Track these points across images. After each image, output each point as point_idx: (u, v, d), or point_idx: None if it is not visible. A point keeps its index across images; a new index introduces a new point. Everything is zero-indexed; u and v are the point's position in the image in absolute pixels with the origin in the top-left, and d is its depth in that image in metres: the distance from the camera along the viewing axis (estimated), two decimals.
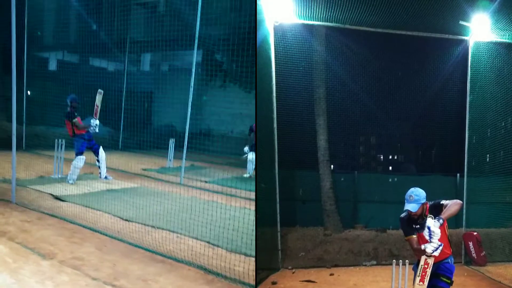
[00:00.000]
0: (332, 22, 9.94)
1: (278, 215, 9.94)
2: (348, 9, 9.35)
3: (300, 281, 8.83)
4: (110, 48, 18.32)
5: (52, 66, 22.09)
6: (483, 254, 10.26)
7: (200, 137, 14.54)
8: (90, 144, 11.86)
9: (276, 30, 9.83)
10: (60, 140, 12.15)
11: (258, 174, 8.94)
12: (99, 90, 11.17)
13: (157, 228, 8.27)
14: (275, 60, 9.88)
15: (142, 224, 8.43)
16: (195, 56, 12.85)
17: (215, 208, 8.74)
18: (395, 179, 12.56)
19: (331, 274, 9.40)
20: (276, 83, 9.90)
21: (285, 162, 10.18)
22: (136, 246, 7.25)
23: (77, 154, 11.64)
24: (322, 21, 9.94)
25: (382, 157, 16.81)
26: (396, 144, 16.34)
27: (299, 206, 11.57)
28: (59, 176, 11.98)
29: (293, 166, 10.97)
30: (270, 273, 9.25)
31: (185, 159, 13.75)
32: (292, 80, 10.43)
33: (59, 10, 19.68)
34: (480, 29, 9.82)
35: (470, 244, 10.27)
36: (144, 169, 14.86)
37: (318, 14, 9.67)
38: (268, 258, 9.31)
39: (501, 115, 10.34)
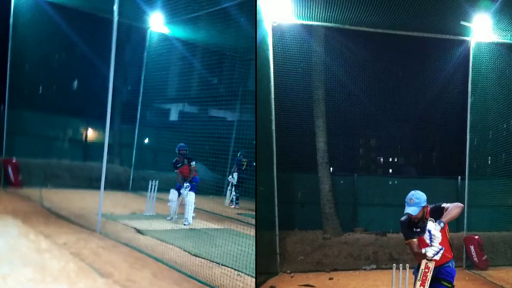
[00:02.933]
0: (331, 23, 9.90)
1: (277, 218, 9.85)
2: (347, 9, 9.28)
3: (299, 285, 8.74)
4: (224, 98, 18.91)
5: (167, 116, 22.81)
6: (484, 258, 10.16)
7: None
8: (188, 187, 11.85)
9: (275, 30, 9.76)
10: (153, 180, 12.68)
11: (257, 176, 8.85)
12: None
13: (221, 264, 8.30)
14: (274, 61, 9.81)
15: (207, 259, 8.55)
16: None
17: None
18: (395, 182, 12.50)
19: (331, 278, 9.31)
20: (274, 84, 9.82)
21: (284, 165, 10.10)
22: (190, 276, 7.45)
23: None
24: (321, 22, 9.90)
25: (382, 160, 16.78)
26: (396, 146, 16.31)
27: (297, 209, 11.50)
28: (150, 214, 12.48)
29: (292, 169, 10.88)
30: (269, 277, 9.17)
31: None
32: (291, 81, 10.37)
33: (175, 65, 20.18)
34: (481, 30, 9.77)
35: (472, 247, 10.18)
36: (239, 214, 14.61)
37: (317, 14, 9.60)
38: (266, 262, 9.21)
39: (503, 117, 10.25)
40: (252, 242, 9.44)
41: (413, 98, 12.16)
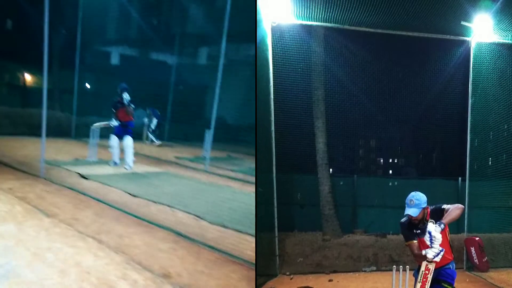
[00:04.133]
0: (331, 23, 9.82)
1: (276, 220, 9.79)
2: (347, 9, 9.22)
3: (298, 287, 8.68)
4: (164, 41, 19.28)
5: (109, 59, 23.10)
6: (485, 259, 10.12)
7: (237, 128, 14.85)
8: (126, 131, 12.34)
9: (274, 30, 9.70)
10: (94, 127, 13.21)
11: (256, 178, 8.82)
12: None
13: (157, 202, 9.13)
14: (273, 62, 9.75)
15: (145, 199, 9.33)
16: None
17: (222, 191, 9.88)
18: (395, 183, 12.44)
19: (330, 280, 9.26)
20: (273, 84, 9.78)
21: (283, 166, 10.05)
22: (128, 213, 8.23)
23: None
24: (321, 22, 9.82)
25: (382, 161, 16.73)
26: (397, 147, 16.25)
27: (297, 211, 11.45)
28: (92, 159, 13.06)
29: (291, 170, 10.81)
30: (268, 279, 9.12)
31: (224, 150, 15.64)
32: (290, 82, 10.29)
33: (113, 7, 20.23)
34: (482, 30, 9.71)
35: (472, 249, 10.13)
36: (177, 157, 15.53)
37: (317, 14, 9.54)
38: (265, 264, 9.16)
39: (503, 118, 10.21)
40: (187, 181, 11.34)
41: (413, 99, 12.10)
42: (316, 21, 9.79)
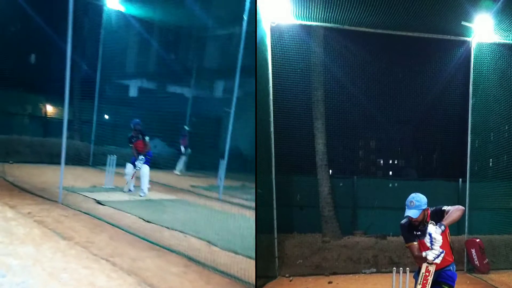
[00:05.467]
0: (330, 23, 9.80)
1: (275, 222, 9.75)
2: (347, 9, 9.18)
3: None
4: (180, 75, 20.21)
5: (128, 92, 24.08)
6: (486, 261, 10.08)
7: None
8: (143, 160, 12.76)
9: (273, 31, 9.66)
10: (111, 155, 13.55)
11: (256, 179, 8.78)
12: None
13: (170, 228, 9.37)
14: (272, 62, 9.70)
15: (158, 225, 9.59)
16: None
17: (235, 219, 9.70)
18: (396, 184, 12.39)
19: (330, 282, 9.21)
20: (273, 85, 9.73)
21: (282, 167, 10.02)
22: (142, 238, 8.48)
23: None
24: (320, 22, 9.80)
25: (382, 162, 16.72)
26: (397, 148, 16.24)
27: (296, 212, 11.38)
28: (109, 186, 13.33)
29: (291, 171, 10.77)
30: (267, 281, 9.09)
31: (239, 180, 15.82)
32: (290, 83, 10.25)
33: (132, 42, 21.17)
34: (483, 30, 9.69)
35: (473, 251, 10.10)
36: (192, 186, 15.70)
37: (316, 14, 9.51)
38: (265, 266, 9.11)
39: (504, 119, 10.20)
40: (201, 209, 11.71)
41: (414, 100, 12.09)
42: (316, 21, 9.77)
